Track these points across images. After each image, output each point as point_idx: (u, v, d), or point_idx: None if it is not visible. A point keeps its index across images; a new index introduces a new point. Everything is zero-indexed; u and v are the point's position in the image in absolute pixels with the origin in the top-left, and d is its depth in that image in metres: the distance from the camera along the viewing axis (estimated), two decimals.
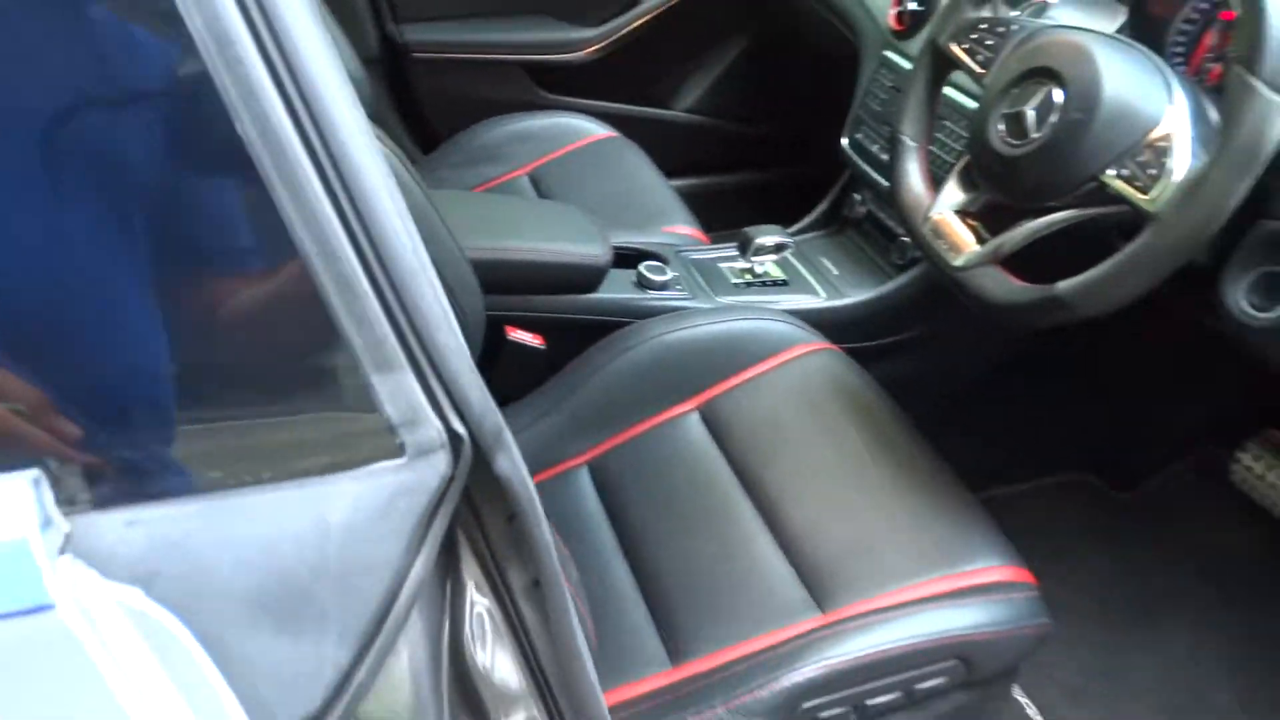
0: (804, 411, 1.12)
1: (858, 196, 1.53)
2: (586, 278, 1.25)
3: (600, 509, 1.09)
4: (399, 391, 0.32)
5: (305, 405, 0.33)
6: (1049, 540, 1.46)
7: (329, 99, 0.28)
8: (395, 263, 0.31)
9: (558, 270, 1.23)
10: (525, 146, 1.68)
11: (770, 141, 2.09)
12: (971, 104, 1.25)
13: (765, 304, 1.36)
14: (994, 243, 0.95)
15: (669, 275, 1.32)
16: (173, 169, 0.30)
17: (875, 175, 1.43)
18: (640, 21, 1.95)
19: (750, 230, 1.38)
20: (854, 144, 1.49)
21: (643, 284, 1.32)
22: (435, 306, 0.32)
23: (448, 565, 0.37)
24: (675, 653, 0.93)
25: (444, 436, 0.34)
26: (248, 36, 0.27)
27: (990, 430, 1.54)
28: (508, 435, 0.36)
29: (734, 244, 1.45)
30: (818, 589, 0.94)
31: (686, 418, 1.15)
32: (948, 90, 1.24)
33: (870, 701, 0.87)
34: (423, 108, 1.95)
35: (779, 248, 1.37)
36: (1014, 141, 0.90)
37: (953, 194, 1.02)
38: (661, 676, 0.91)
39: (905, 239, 1.42)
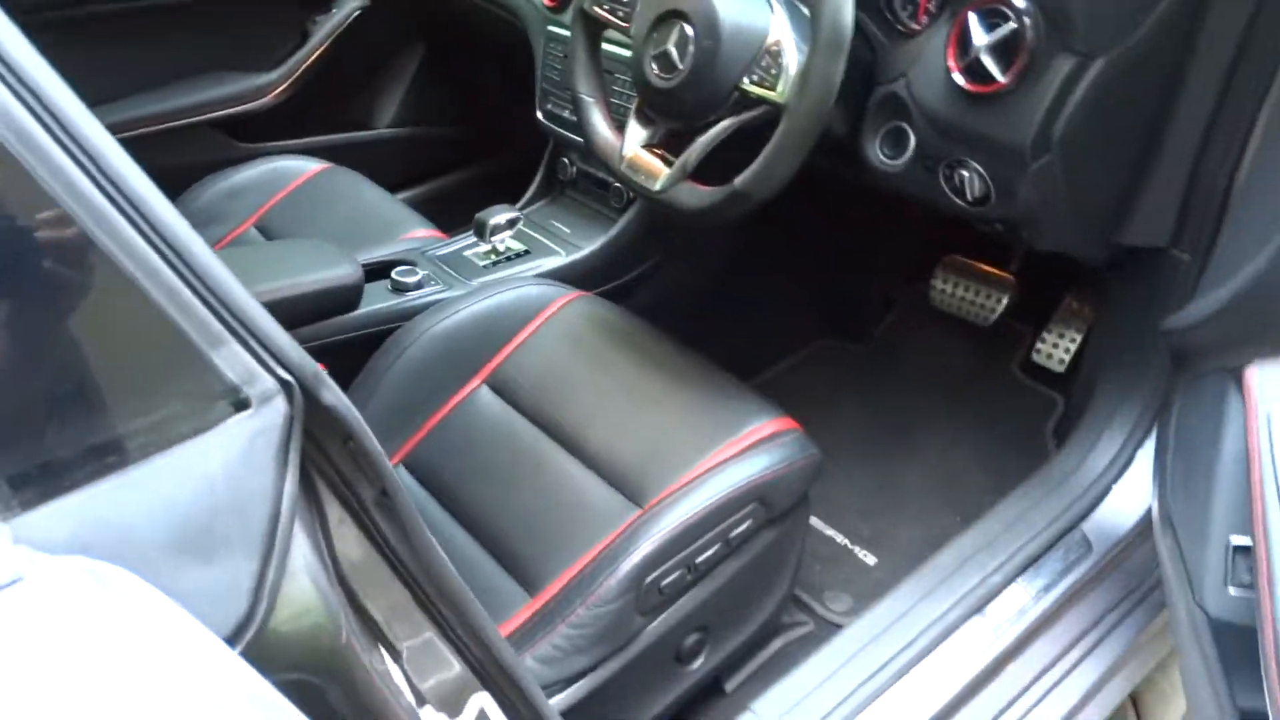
0: (577, 354, 1.26)
1: (566, 160, 1.68)
2: (345, 298, 1.32)
3: (427, 496, 1.18)
4: (233, 359, 0.43)
5: (172, 389, 0.42)
6: (812, 402, 1.68)
7: (127, 172, 0.38)
8: (199, 265, 0.41)
9: (315, 299, 1.29)
10: (243, 201, 1.69)
11: (477, 135, 2.20)
12: (629, 54, 1.42)
13: (515, 275, 1.48)
14: (679, 163, 1.12)
15: (421, 274, 1.42)
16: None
17: (572, 136, 1.58)
18: (316, 54, 1.99)
19: (482, 214, 1.49)
20: (548, 114, 1.64)
21: (398, 289, 1.40)
22: (239, 290, 0.43)
23: (308, 493, 0.47)
24: (531, 586, 1.05)
25: (276, 385, 0.44)
26: (62, 154, 0.37)
27: (739, 327, 1.75)
28: (325, 375, 0.46)
29: (470, 231, 1.56)
30: (631, 491, 1.09)
31: (477, 393, 1.26)
32: (609, 47, 1.40)
33: (698, 559, 1.03)
34: None
35: (511, 223, 1.50)
36: (666, 76, 1.07)
37: (636, 133, 1.18)
38: (526, 609, 1.03)
39: (617, 185, 1.58)
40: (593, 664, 0.99)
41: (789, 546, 1.17)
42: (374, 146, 2.10)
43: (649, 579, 1.00)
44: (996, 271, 1.69)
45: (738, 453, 1.09)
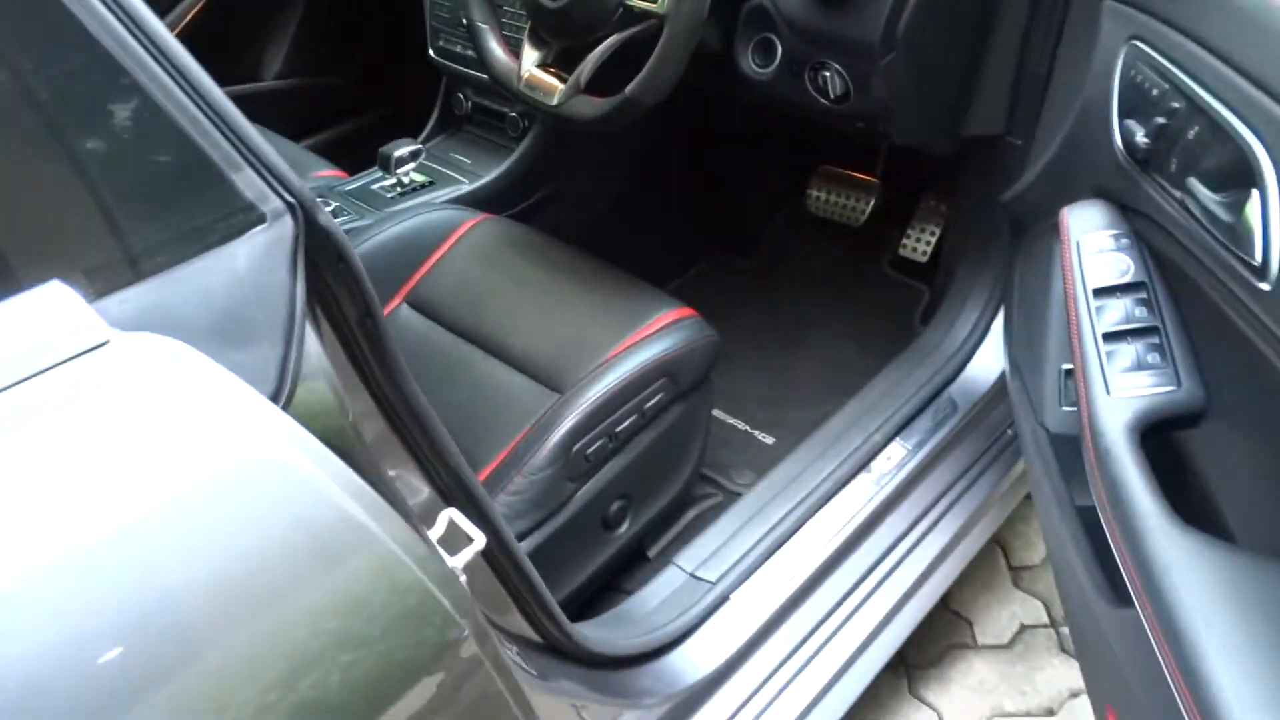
0: (490, 268, 1.36)
1: (461, 95, 1.76)
2: None
3: None
4: (249, 182, 0.53)
5: (205, 205, 0.52)
6: (710, 312, 1.81)
7: (159, 31, 0.49)
8: (216, 103, 0.51)
9: None
10: None
11: (367, 82, 2.23)
12: None
13: (423, 204, 1.56)
14: (573, 78, 1.23)
15: (332, 206, 1.48)
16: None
17: (466, 70, 1.66)
18: (197, 6, 2.00)
19: (385, 148, 1.56)
20: (440, 51, 1.71)
21: None
22: (249, 127, 0.52)
23: (309, 306, 0.57)
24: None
25: (284, 206, 0.54)
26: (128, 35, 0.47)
27: (634, 250, 1.86)
28: (319, 204, 0.56)
29: (374, 169, 1.63)
30: (552, 381, 1.20)
31: (398, 312, 1.34)
32: None
33: (618, 429, 1.16)
34: None
35: (414, 154, 1.57)
36: None
37: (531, 54, 1.28)
38: None
39: (513, 115, 1.68)
40: (529, 527, 1.11)
41: (696, 420, 1.31)
42: (265, 98, 2.11)
43: (575, 447, 1.12)
44: (864, 176, 1.86)
45: (645, 337, 1.22)
